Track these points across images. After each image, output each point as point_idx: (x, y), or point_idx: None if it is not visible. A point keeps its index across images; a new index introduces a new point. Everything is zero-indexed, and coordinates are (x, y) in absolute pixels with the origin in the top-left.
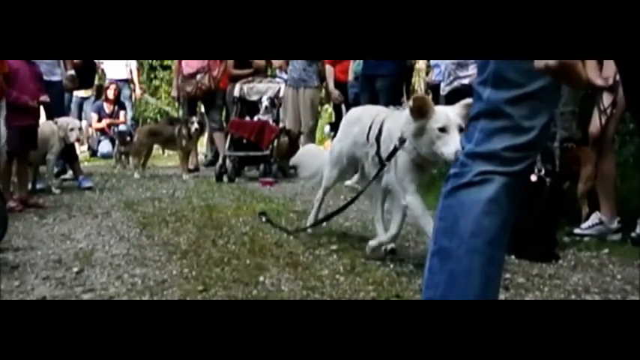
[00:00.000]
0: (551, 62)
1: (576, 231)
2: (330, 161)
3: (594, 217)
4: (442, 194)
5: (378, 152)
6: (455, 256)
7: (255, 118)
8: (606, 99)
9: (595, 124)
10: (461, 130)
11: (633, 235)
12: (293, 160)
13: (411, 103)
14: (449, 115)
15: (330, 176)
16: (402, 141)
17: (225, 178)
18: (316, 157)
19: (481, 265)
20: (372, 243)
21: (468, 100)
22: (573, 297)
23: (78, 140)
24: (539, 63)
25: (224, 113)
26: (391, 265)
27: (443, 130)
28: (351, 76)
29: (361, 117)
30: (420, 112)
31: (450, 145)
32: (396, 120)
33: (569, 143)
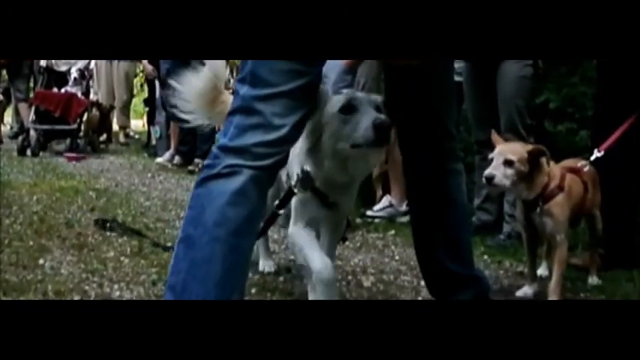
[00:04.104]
0: None
1: (368, 213)
2: None
3: (385, 200)
4: (194, 185)
5: (288, 176)
6: (198, 245)
7: (63, 90)
8: None
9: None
10: (377, 109)
11: None
12: None
13: None
14: (354, 92)
15: None
16: (304, 173)
17: (28, 152)
18: None
19: (223, 254)
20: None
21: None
22: (350, 278)
23: None
24: None
25: (31, 83)
26: None
27: (348, 109)
28: None
29: None
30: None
31: (362, 122)
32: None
33: None
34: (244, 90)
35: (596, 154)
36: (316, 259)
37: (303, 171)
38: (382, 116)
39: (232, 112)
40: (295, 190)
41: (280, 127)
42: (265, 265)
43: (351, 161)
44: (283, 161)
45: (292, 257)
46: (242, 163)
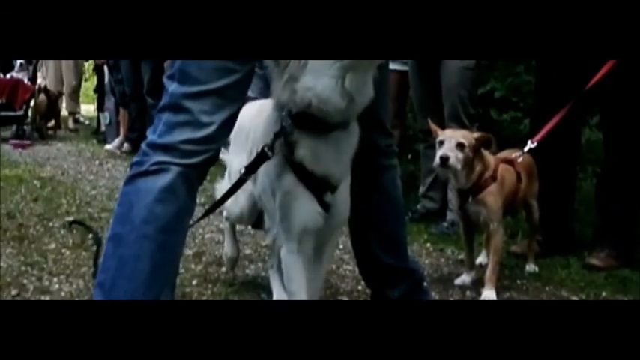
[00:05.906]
0: None
1: None
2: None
3: None
4: (124, 182)
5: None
6: (125, 242)
7: (9, 76)
8: None
9: None
10: None
11: None
12: None
13: None
14: None
15: (235, 209)
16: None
17: None
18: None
19: (151, 251)
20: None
21: None
22: None
23: None
24: None
25: None
26: None
27: None
28: None
29: (252, 123)
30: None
31: None
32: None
33: None
34: (173, 87)
35: (530, 145)
36: None
37: (283, 128)
38: None
39: (161, 109)
40: (270, 154)
41: (208, 124)
42: (229, 249)
43: (347, 77)
44: (213, 159)
45: None
46: (170, 160)
